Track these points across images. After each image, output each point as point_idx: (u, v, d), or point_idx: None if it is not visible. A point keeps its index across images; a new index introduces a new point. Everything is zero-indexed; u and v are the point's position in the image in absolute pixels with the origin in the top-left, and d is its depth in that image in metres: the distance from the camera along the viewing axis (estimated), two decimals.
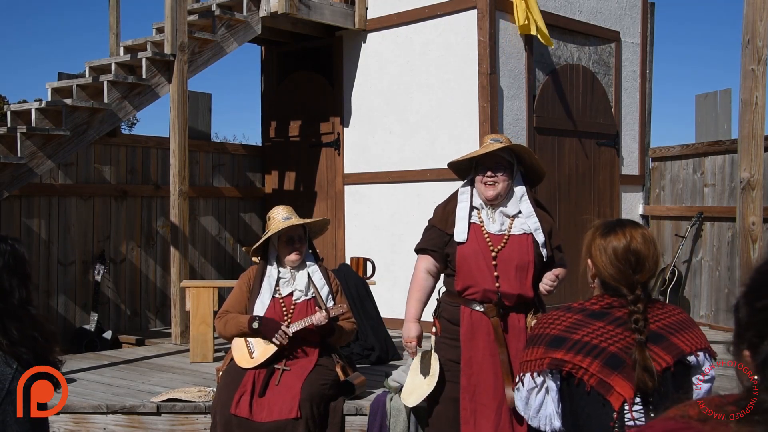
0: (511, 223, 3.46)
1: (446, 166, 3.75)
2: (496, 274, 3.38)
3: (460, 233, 3.44)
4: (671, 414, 1.23)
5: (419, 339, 3.53)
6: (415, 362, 3.58)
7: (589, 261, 2.47)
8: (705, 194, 7.60)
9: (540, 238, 3.43)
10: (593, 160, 7.65)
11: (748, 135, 4.93)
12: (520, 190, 3.51)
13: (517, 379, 2.46)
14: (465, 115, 6.82)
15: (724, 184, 7.38)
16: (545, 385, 2.37)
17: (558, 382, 2.36)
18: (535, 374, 2.37)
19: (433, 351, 3.50)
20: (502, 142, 3.51)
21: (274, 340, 4.03)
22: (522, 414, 2.48)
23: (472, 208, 3.50)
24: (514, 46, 6.91)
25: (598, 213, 7.59)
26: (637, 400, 2.27)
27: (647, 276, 2.40)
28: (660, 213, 8.07)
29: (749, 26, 4.88)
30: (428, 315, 3.64)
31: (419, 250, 3.60)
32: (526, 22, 6.61)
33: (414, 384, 3.55)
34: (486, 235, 3.43)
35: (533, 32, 6.68)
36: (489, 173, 3.44)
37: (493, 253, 3.39)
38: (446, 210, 3.56)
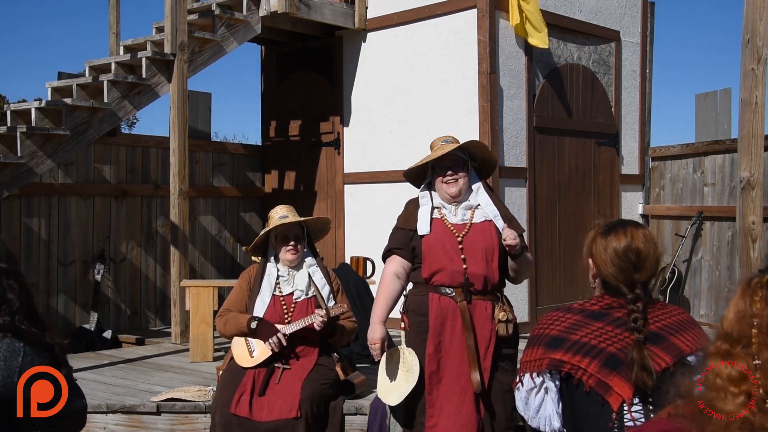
0: (472, 214, 3.61)
1: (403, 177, 3.85)
2: (463, 256, 3.50)
3: (422, 226, 3.58)
4: (665, 414, 1.23)
5: (384, 341, 3.60)
6: (383, 362, 3.62)
7: (590, 260, 2.48)
8: (705, 194, 7.60)
9: (500, 224, 3.59)
10: (593, 159, 7.65)
11: (748, 134, 4.93)
12: (476, 184, 3.69)
13: (516, 380, 2.47)
14: (465, 114, 6.81)
15: (724, 184, 7.38)
16: (544, 386, 2.37)
17: (557, 383, 2.36)
18: (534, 375, 2.37)
19: (405, 346, 3.56)
20: (452, 142, 3.69)
21: (267, 344, 4.04)
22: (522, 414, 2.48)
23: (433, 208, 3.63)
24: (514, 46, 6.91)
25: (598, 213, 7.59)
26: (637, 400, 2.26)
27: (647, 275, 2.40)
28: (660, 212, 8.07)
29: (749, 26, 4.87)
30: (397, 313, 3.70)
31: (386, 252, 3.71)
32: (520, 22, 6.60)
33: (389, 382, 3.57)
34: (449, 225, 3.58)
35: (528, 34, 6.67)
36: (449, 172, 3.60)
37: (459, 238, 3.53)
38: (408, 211, 3.71)
